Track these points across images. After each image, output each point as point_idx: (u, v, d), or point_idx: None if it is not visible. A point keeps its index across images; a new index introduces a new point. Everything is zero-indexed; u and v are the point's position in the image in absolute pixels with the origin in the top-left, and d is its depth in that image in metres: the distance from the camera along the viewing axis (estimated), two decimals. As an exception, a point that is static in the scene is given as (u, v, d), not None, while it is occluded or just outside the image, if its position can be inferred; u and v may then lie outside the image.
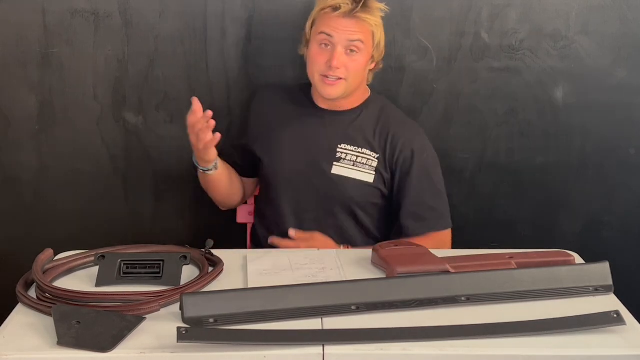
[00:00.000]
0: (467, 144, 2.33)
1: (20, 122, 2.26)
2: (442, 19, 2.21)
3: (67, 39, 2.19)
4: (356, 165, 1.96)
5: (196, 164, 1.95)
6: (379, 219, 2.04)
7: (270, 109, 2.06)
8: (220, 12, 2.19)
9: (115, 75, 2.23)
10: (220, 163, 1.96)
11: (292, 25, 2.19)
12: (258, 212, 2.14)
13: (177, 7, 2.18)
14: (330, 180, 1.96)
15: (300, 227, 1.97)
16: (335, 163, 1.97)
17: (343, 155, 1.97)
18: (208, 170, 1.94)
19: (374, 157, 1.97)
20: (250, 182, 2.13)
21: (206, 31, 2.20)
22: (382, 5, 1.93)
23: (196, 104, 1.79)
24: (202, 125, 1.78)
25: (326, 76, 1.88)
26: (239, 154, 2.09)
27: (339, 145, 1.97)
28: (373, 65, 1.98)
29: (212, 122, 1.78)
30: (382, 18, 1.93)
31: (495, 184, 2.36)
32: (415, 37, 2.22)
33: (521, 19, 2.21)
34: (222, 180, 2.00)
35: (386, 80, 2.25)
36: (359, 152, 1.97)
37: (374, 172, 1.97)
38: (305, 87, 2.05)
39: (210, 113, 1.78)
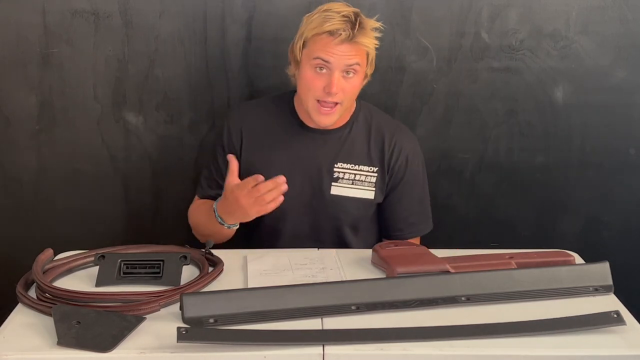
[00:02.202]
0: (467, 144, 2.33)
1: (20, 122, 2.26)
2: (442, 19, 2.21)
3: (67, 39, 2.19)
4: (355, 184, 1.93)
5: (221, 221, 1.82)
6: (379, 228, 2.04)
7: (258, 128, 1.95)
8: (220, 12, 2.19)
9: (115, 75, 2.23)
10: None
11: (292, 25, 2.18)
12: (250, 234, 2.05)
13: (177, 7, 2.18)
14: (330, 201, 1.92)
15: (300, 245, 1.91)
16: (333, 183, 1.92)
17: (341, 175, 1.92)
18: (233, 226, 1.84)
19: (373, 172, 1.93)
20: None
21: (206, 31, 2.20)
22: (377, 24, 1.84)
23: (233, 162, 1.78)
24: (269, 187, 1.69)
25: (323, 101, 1.80)
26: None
27: (335, 165, 1.92)
28: (365, 81, 1.91)
29: (282, 179, 1.71)
30: (378, 37, 1.85)
31: (495, 184, 2.36)
32: (415, 37, 2.22)
33: (521, 19, 2.21)
34: (231, 231, 1.88)
35: (386, 80, 2.25)
36: (356, 170, 1.93)
37: (373, 188, 1.94)
38: (287, 101, 1.95)
39: (283, 179, 1.71)
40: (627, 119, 2.31)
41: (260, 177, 1.72)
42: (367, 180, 1.93)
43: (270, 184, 1.70)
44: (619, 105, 2.30)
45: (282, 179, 1.71)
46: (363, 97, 2.19)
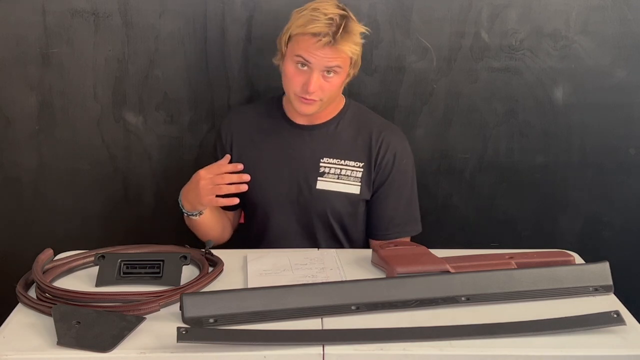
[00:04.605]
0: (467, 144, 2.32)
1: (20, 122, 2.26)
2: (442, 19, 2.21)
3: (67, 39, 2.19)
4: (340, 178, 1.93)
5: (181, 207, 1.89)
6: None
7: (246, 130, 1.99)
8: (220, 12, 2.19)
9: (115, 75, 2.23)
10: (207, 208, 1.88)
11: (292, 25, 2.19)
12: (242, 228, 2.09)
13: (177, 7, 2.18)
14: (316, 196, 1.93)
15: (288, 241, 1.94)
16: (319, 178, 1.93)
17: (326, 169, 1.93)
18: (192, 214, 1.88)
19: (359, 167, 1.93)
20: (234, 214, 2.07)
21: (206, 31, 2.20)
22: (362, 29, 1.84)
23: (227, 159, 1.85)
24: (232, 179, 1.78)
25: (301, 96, 1.82)
26: None
27: (321, 160, 1.93)
28: (348, 79, 1.91)
29: (246, 177, 1.80)
30: (362, 38, 1.85)
31: (495, 184, 2.36)
32: (415, 37, 2.22)
33: (521, 19, 2.21)
34: (207, 223, 1.92)
35: (386, 80, 2.25)
36: (342, 165, 1.93)
37: (359, 183, 1.94)
38: (276, 102, 1.99)
39: (241, 166, 1.83)
40: (627, 119, 2.31)
41: (240, 166, 1.82)
42: (352, 175, 1.93)
43: (235, 177, 1.78)
44: (619, 105, 2.30)
45: (247, 177, 1.79)
46: (362, 97, 2.20)
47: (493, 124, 2.31)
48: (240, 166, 1.83)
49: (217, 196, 1.79)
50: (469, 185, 2.36)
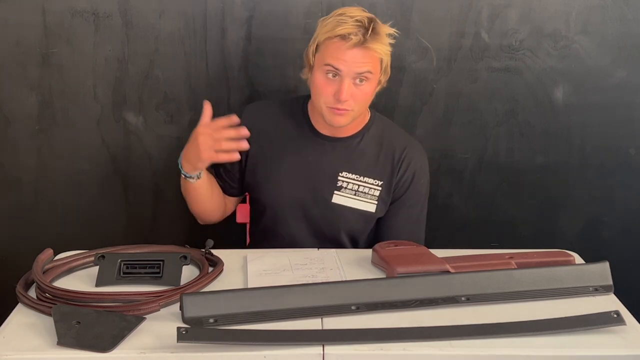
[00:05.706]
0: (467, 144, 2.33)
1: (20, 122, 2.26)
2: (442, 19, 2.21)
3: (67, 39, 2.19)
4: (357, 195, 1.90)
5: (180, 167, 1.82)
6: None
7: (268, 127, 1.93)
8: (220, 12, 2.19)
9: (115, 75, 2.23)
10: (204, 173, 1.83)
11: (292, 25, 2.19)
12: (252, 236, 2.08)
13: (177, 7, 2.18)
14: (331, 209, 1.90)
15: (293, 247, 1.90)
16: (336, 192, 1.90)
17: (344, 184, 1.90)
18: (190, 177, 1.82)
19: (377, 186, 1.91)
20: (232, 200, 2.03)
21: (206, 31, 2.20)
22: (391, 30, 1.79)
23: (208, 109, 1.72)
24: (230, 134, 1.70)
25: (334, 107, 1.77)
26: (227, 172, 1.96)
27: (340, 174, 1.90)
28: (379, 88, 1.86)
29: (245, 132, 1.71)
30: (391, 41, 1.81)
31: (495, 184, 2.37)
32: (415, 37, 2.22)
33: (521, 19, 2.21)
34: (203, 191, 1.87)
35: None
36: (360, 181, 1.90)
37: (376, 202, 1.91)
38: (302, 105, 1.93)
39: (237, 119, 1.71)
40: (627, 119, 2.32)
41: (236, 119, 1.72)
42: (370, 192, 1.91)
43: (233, 132, 1.70)
44: (619, 105, 2.30)
45: (245, 131, 1.71)
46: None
47: (493, 124, 2.31)
48: (236, 119, 1.72)
49: (217, 152, 1.72)
50: (469, 185, 2.36)
